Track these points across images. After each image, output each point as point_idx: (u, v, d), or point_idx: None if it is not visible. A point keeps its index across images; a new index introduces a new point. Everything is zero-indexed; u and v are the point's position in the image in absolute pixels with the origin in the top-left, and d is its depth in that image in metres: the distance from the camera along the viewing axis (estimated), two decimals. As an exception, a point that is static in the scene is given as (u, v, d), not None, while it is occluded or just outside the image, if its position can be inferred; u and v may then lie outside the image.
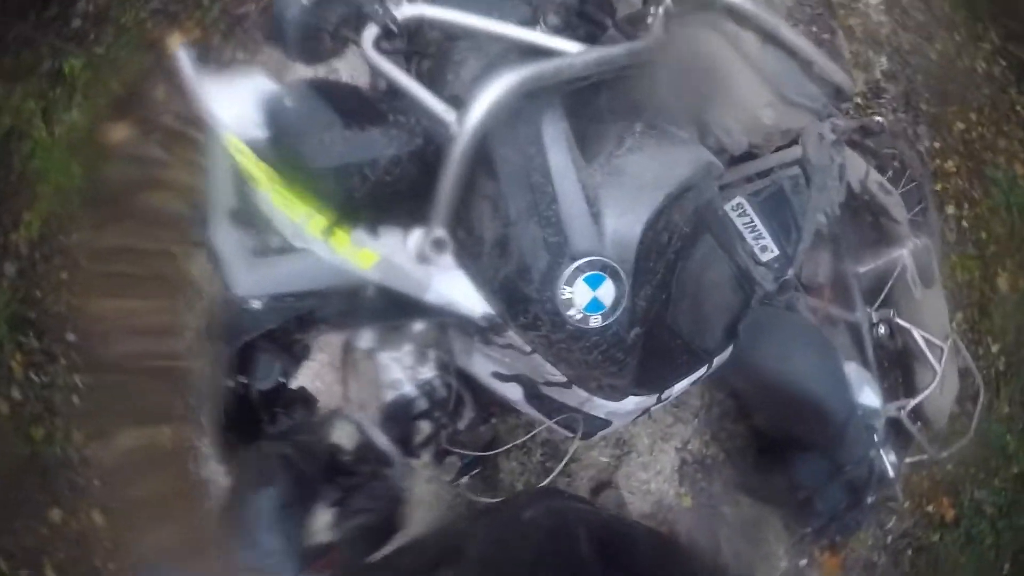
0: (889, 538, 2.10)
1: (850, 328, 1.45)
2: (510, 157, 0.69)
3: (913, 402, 1.45)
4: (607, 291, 0.71)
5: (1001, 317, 2.09)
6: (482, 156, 0.67)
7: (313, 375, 1.10)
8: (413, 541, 0.68)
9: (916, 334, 1.46)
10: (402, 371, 0.84)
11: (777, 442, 1.41)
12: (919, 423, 1.53)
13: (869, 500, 1.44)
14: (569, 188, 0.70)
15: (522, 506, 0.60)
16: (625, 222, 0.73)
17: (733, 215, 1.03)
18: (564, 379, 0.78)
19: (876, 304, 1.47)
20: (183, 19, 1.82)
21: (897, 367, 1.58)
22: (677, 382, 0.91)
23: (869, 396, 1.40)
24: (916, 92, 1.97)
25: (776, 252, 1.04)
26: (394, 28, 0.68)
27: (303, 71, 0.99)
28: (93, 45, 1.80)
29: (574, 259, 0.69)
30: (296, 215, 0.64)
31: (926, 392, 1.46)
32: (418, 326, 0.83)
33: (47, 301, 1.64)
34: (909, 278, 1.44)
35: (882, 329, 1.46)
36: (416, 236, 0.68)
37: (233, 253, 0.68)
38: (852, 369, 1.38)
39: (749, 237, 1.04)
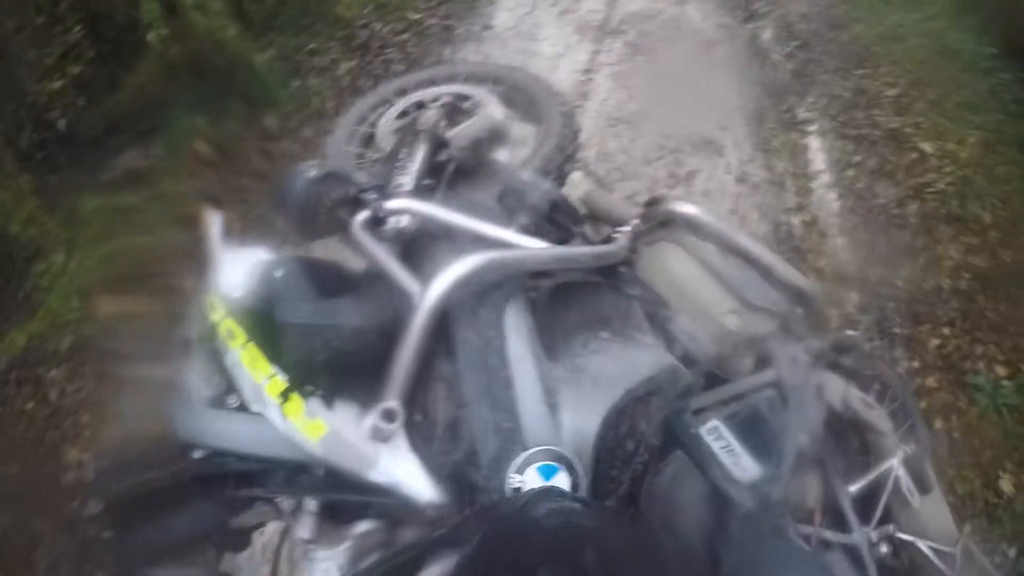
0: None
1: (848, 552, 1.38)
2: (469, 339, 0.70)
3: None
4: (561, 484, 0.66)
5: (1011, 519, 2.20)
6: (443, 337, 0.69)
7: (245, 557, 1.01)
8: (411, 543, 0.68)
9: (922, 545, 1.39)
10: (336, 572, 0.80)
11: None
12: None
13: None
14: (526, 375, 0.70)
15: (525, 506, 0.58)
16: (582, 416, 0.71)
17: (709, 439, 1.00)
18: None
19: (873, 522, 1.40)
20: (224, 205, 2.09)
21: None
22: None
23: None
24: (888, 319, 2.24)
25: (757, 473, 1.01)
26: (381, 215, 0.77)
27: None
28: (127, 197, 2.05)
29: (526, 447, 0.66)
30: (259, 376, 0.67)
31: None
32: (362, 526, 0.78)
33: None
34: (905, 489, 1.40)
35: (884, 548, 1.39)
36: (371, 413, 0.67)
37: (190, 399, 0.70)
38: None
39: (727, 460, 1.00)
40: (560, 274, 0.85)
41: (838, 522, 1.40)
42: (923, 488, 1.47)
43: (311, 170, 0.81)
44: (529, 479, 0.65)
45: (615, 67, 2.91)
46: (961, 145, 2.96)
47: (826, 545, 1.40)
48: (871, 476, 1.43)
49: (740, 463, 1.01)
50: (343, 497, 0.71)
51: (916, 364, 2.20)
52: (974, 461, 2.19)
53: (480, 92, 1.79)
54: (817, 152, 2.68)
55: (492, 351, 0.71)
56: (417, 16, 3.11)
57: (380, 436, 0.67)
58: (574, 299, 0.88)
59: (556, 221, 0.91)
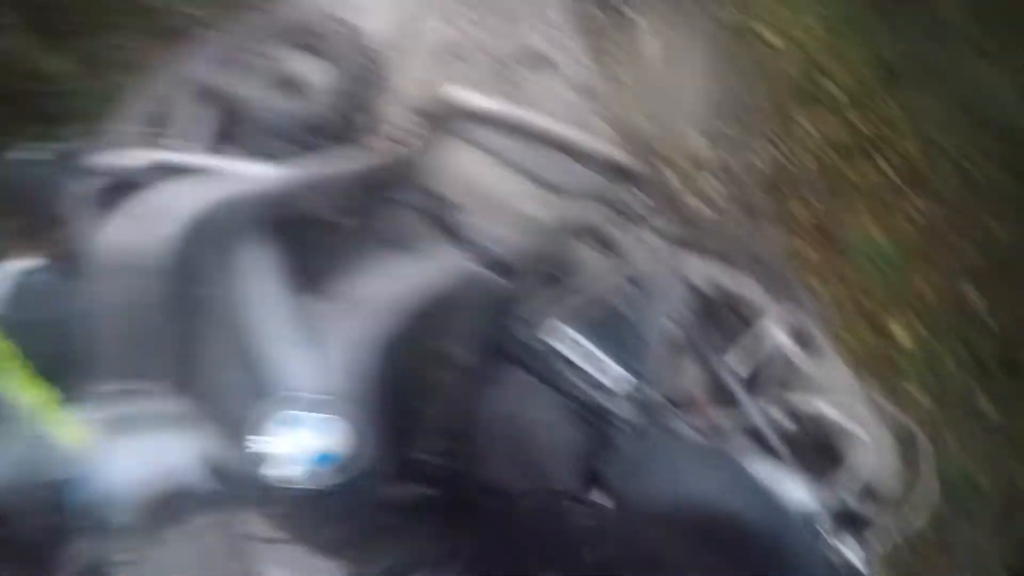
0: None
1: (751, 435, 1.35)
2: (196, 295, 0.60)
3: (848, 481, 1.33)
4: (329, 436, 0.55)
5: (909, 362, 2.28)
6: (179, 301, 0.59)
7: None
8: (413, 538, 0.66)
9: (822, 407, 1.36)
10: None
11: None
12: (868, 501, 1.57)
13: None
14: (266, 318, 0.60)
15: (521, 506, 0.58)
16: (358, 352, 0.60)
17: (559, 345, 0.89)
18: None
19: (768, 395, 1.36)
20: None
21: (819, 452, 1.43)
22: None
23: (796, 496, 1.29)
24: (754, 200, 2.29)
25: (625, 375, 0.92)
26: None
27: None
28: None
29: (278, 401, 0.55)
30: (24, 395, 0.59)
31: (858, 465, 1.35)
32: None
33: None
34: (787, 351, 1.37)
35: (780, 416, 1.35)
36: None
37: None
38: (767, 471, 1.27)
39: (586, 365, 0.90)
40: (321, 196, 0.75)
41: (728, 403, 1.35)
42: (810, 350, 1.45)
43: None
44: (280, 437, 0.54)
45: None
46: (807, 34, 3.05)
47: (720, 431, 1.35)
48: (751, 347, 1.39)
49: (603, 368, 0.92)
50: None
51: (787, 236, 2.26)
52: (863, 318, 2.27)
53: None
54: (655, 49, 2.71)
55: (221, 301, 0.61)
56: None
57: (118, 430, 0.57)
58: (343, 220, 0.79)
59: (294, 138, 0.82)
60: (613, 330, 0.96)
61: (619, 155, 0.97)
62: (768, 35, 2.94)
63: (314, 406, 0.55)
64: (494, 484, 0.71)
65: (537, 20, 2.66)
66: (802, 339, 1.42)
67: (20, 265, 0.67)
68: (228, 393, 0.59)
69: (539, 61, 2.48)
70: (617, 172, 1.02)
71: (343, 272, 0.72)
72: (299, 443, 0.54)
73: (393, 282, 0.70)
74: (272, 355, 0.58)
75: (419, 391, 0.68)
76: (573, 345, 0.88)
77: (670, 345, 1.10)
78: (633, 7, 2.77)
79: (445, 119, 0.89)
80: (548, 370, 0.83)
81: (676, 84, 2.50)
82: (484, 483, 0.71)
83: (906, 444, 1.67)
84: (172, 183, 0.67)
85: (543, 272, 0.96)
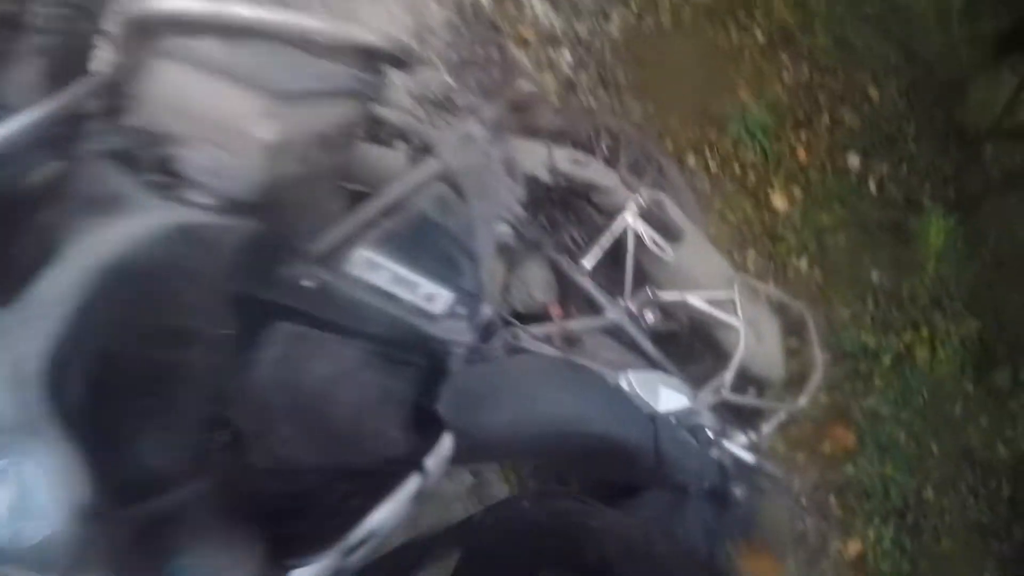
0: (804, 500, 2.01)
1: (611, 333, 1.23)
2: None
3: (728, 374, 1.23)
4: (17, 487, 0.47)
5: (794, 232, 2.11)
6: None
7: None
8: (412, 540, 0.66)
9: (692, 299, 1.23)
10: None
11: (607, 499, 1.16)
12: (753, 388, 1.38)
13: (740, 495, 1.26)
14: None
15: (524, 506, 0.59)
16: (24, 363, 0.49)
17: (365, 275, 0.77)
18: None
19: (627, 292, 1.23)
20: None
21: (698, 345, 1.34)
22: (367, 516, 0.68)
23: (672, 398, 1.17)
24: (608, 69, 2.00)
25: (450, 295, 0.82)
26: None
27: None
28: None
29: None
30: None
31: (737, 356, 1.24)
32: None
33: None
34: (650, 243, 1.22)
35: (650, 315, 1.24)
36: None
37: None
38: (638, 378, 1.15)
39: (401, 292, 0.80)
40: None
41: (585, 306, 1.21)
42: (672, 236, 1.25)
43: None
44: None
45: None
46: None
47: (576, 338, 1.19)
48: (602, 241, 1.20)
49: (422, 291, 0.79)
50: None
51: (651, 108, 1.99)
52: (740, 186, 2.06)
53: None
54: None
55: None
56: None
57: None
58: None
59: None
60: (428, 246, 0.83)
61: (373, 38, 0.74)
62: None
63: None
64: (289, 461, 0.65)
65: None
66: (665, 228, 1.23)
67: None
68: None
69: None
70: (392, 60, 0.77)
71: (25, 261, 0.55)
72: None
73: (88, 259, 0.54)
74: None
75: (154, 385, 0.56)
76: (386, 274, 0.76)
77: (505, 249, 1.01)
78: None
79: (144, 36, 0.64)
80: (341, 312, 0.73)
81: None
82: (276, 463, 0.64)
83: (794, 324, 1.48)
84: None
85: (310, 198, 0.78)
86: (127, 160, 0.64)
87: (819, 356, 1.43)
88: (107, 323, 0.53)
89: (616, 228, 1.20)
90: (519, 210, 1.04)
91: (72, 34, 0.69)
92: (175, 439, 0.57)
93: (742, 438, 1.24)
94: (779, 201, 2.10)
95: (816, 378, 1.40)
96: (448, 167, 0.88)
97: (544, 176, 1.17)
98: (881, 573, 2.12)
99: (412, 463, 0.72)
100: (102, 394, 0.51)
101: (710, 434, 1.16)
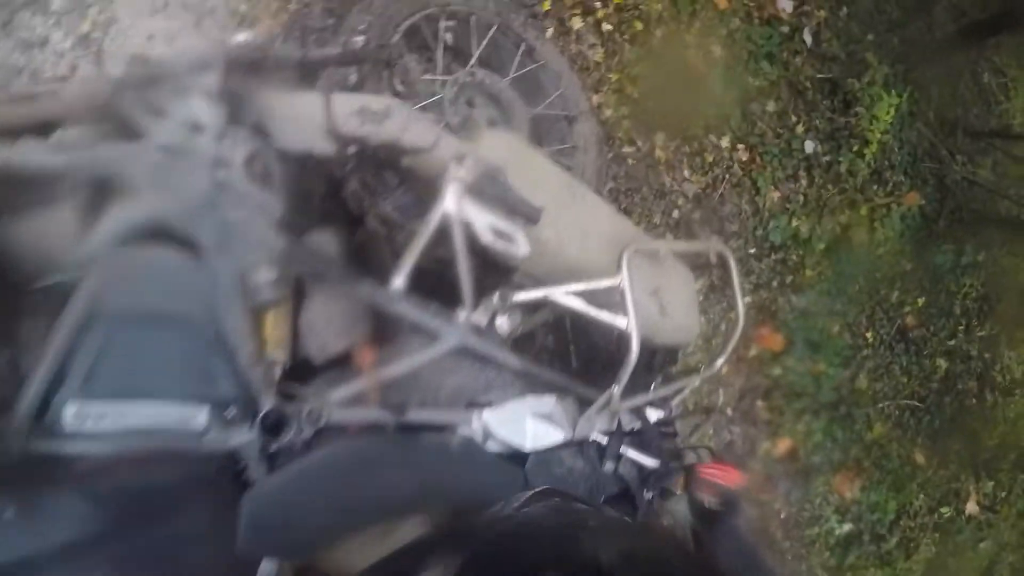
0: (729, 410, 1.80)
1: (459, 355, 0.86)
2: None
3: (618, 387, 0.88)
4: None
5: (712, 103, 1.71)
6: None
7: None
8: (413, 542, 0.63)
9: (561, 296, 0.86)
10: None
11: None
12: (660, 359, 1.04)
13: (648, 497, 0.97)
14: None
15: (523, 505, 0.57)
16: None
17: (88, 428, 0.63)
18: None
19: (468, 302, 0.83)
20: None
21: (584, 341, 1.03)
22: None
23: (542, 432, 0.89)
24: None
25: (205, 406, 0.66)
26: None
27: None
28: None
29: None
30: None
31: (628, 366, 0.87)
32: None
33: None
34: (488, 236, 0.81)
35: (505, 323, 0.88)
36: None
37: None
38: (496, 417, 0.85)
39: (144, 427, 0.65)
40: None
41: (407, 340, 0.81)
42: (527, 216, 0.83)
43: None
44: None
45: None
46: None
47: (399, 385, 0.81)
48: (417, 246, 0.76)
49: (166, 418, 0.65)
50: None
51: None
52: (643, 51, 1.62)
53: None
54: None
55: None
56: None
57: None
58: None
59: None
60: (155, 361, 0.66)
61: None
62: None
63: None
64: None
65: None
66: (511, 208, 0.81)
67: None
68: None
69: None
70: None
71: None
72: None
73: None
74: None
75: None
76: (98, 421, 0.63)
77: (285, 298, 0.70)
78: None
79: None
80: (70, 478, 0.62)
81: None
82: None
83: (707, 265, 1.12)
84: None
85: None
86: None
87: (741, 307, 1.09)
88: None
89: (435, 219, 0.77)
90: (278, 238, 0.68)
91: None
92: None
93: (652, 415, 1.00)
94: (695, 61, 1.68)
95: (736, 334, 1.07)
96: (155, 211, 0.62)
97: (322, 147, 0.76)
98: (812, 465, 2.02)
99: None
100: None
101: (601, 446, 0.93)
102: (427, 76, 1.25)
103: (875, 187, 2.09)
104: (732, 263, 1.01)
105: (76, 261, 0.61)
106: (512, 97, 1.34)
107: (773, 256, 1.81)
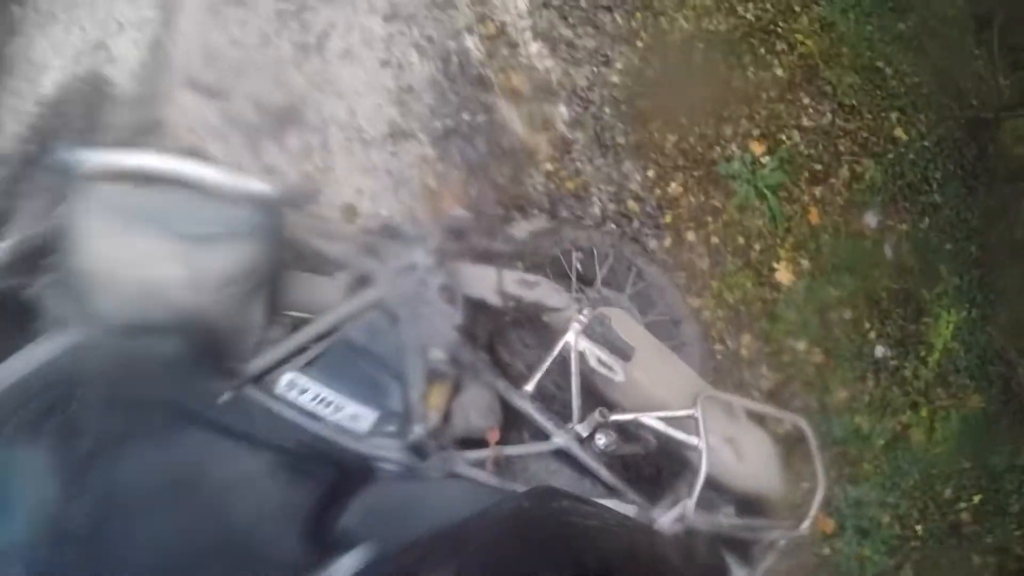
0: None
1: (562, 458, 1.17)
2: None
3: (690, 501, 1.13)
4: None
5: (795, 310, 1.99)
6: None
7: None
8: (413, 541, 0.67)
9: (647, 419, 1.15)
10: None
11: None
12: (738, 509, 1.26)
13: None
14: None
15: (523, 506, 0.60)
16: None
17: (290, 396, 0.90)
18: None
19: (575, 415, 1.15)
20: None
21: (667, 468, 1.27)
22: None
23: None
24: (607, 128, 1.82)
25: (375, 414, 0.93)
26: None
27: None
28: None
29: None
30: None
31: (700, 479, 1.15)
32: None
33: None
34: (595, 363, 1.14)
35: (603, 439, 1.14)
36: None
37: None
38: (589, 508, 1.16)
39: (325, 411, 0.91)
40: None
41: (527, 431, 1.18)
42: (622, 353, 1.16)
43: None
44: None
45: None
46: None
47: (516, 465, 1.15)
48: (545, 364, 1.13)
49: (346, 411, 0.92)
50: None
51: (651, 173, 1.83)
52: (743, 262, 1.92)
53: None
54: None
55: None
56: None
57: None
58: None
59: None
60: (351, 369, 0.94)
61: (269, 185, 0.87)
62: None
63: None
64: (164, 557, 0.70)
65: None
66: (612, 346, 1.14)
67: None
68: None
69: None
70: (263, 201, 0.86)
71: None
72: None
73: (13, 369, 0.74)
74: None
75: (59, 466, 0.69)
76: (309, 394, 0.91)
77: (438, 373, 1.01)
78: None
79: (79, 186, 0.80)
80: (254, 425, 0.84)
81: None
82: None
83: (791, 436, 1.38)
84: None
85: (236, 325, 0.90)
86: (58, 291, 0.82)
87: (821, 472, 1.35)
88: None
89: (560, 349, 1.13)
90: (455, 336, 1.03)
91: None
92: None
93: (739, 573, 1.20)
94: (784, 275, 1.97)
95: (819, 498, 1.32)
96: (383, 296, 0.98)
97: (493, 299, 1.13)
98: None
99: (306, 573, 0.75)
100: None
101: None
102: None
103: (939, 389, 2.28)
104: (810, 433, 1.28)
105: (328, 309, 0.97)
106: (629, 308, 1.65)
107: (834, 449, 2.02)
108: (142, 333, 0.79)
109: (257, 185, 0.84)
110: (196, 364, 0.82)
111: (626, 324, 1.27)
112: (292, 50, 1.81)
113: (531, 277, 1.20)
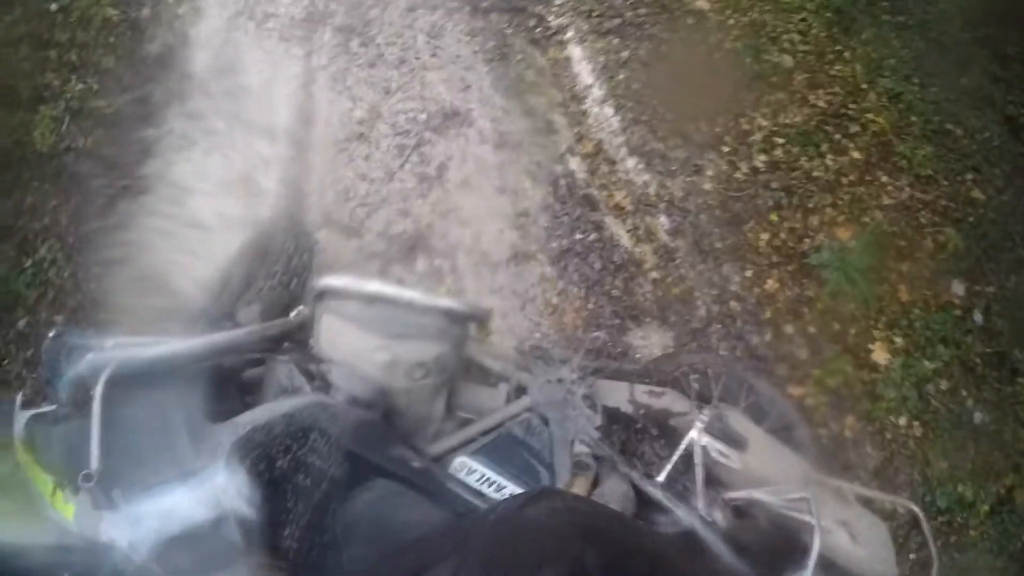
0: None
1: (686, 540, 1.42)
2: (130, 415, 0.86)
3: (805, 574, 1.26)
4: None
5: (894, 387, 2.10)
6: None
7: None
8: (412, 541, 0.69)
9: (763, 496, 1.32)
10: None
11: None
12: None
13: None
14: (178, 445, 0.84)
15: (522, 506, 0.59)
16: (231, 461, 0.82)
17: (460, 475, 1.09)
18: None
19: (699, 498, 1.36)
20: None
21: (781, 547, 1.49)
22: None
23: None
24: (705, 235, 1.99)
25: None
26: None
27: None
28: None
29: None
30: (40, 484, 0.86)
31: (813, 555, 1.27)
32: None
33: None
34: (715, 454, 1.36)
35: (720, 515, 1.34)
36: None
37: None
38: None
39: (488, 490, 1.08)
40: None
41: (659, 515, 1.33)
42: (737, 444, 1.38)
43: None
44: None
45: (330, 68, 2.37)
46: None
47: None
48: (674, 456, 1.34)
49: (504, 491, 1.08)
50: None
51: (749, 272, 1.99)
52: (841, 347, 2.05)
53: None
54: (581, 64, 2.29)
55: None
56: (110, 107, 2.35)
57: (98, 504, 0.77)
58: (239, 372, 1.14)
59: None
60: (513, 456, 1.14)
61: (449, 302, 1.17)
62: (698, 2, 2.49)
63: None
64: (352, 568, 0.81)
65: (445, 62, 2.18)
66: (729, 438, 1.36)
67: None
68: None
69: (451, 119, 2.04)
70: (451, 314, 1.16)
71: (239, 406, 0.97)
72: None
73: (262, 413, 0.93)
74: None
75: (293, 491, 0.87)
76: (477, 475, 1.09)
77: (581, 465, 1.19)
78: (555, 13, 2.27)
79: (321, 296, 1.14)
80: (435, 488, 1.01)
81: (606, 101, 2.10)
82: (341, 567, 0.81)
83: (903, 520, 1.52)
84: None
85: (418, 406, 1.15)
86: (303, 368, 1.08)
87: (934, 553, 1.49)
88: (269, 447, 0.87)
89: (685, 444, 1.35)
90: (596, 435, 1.26)
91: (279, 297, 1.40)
92: (288, 532, 0.85)
93: None
94: (880, 354, 2.09)
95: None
96: (537, 403, 1.23)
97: (626, 408, 1.40)
98: None
99: None
100: (263, 487, 0.80)
101: None
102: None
103: (1040, 447, 2.34)
104: (923, 517, 1.41)
105: (493, 411, 1.20)
106: (744, 419, 1.81)
107: (939, 519, 2.11)
108: (359, 403, 1.05)
109: (446, 302, 1.14)
110: (382, 428, 1.05)
111: (741, 423, 1.47)
112: (415, 182, 2.05)
113: (658, 388, 1.44)
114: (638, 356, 1.66)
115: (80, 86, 2.43)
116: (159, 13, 2.68)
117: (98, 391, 0.84)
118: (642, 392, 1.43)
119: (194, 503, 0.78)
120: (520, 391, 1.28)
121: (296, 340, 1.21)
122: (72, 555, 0.82)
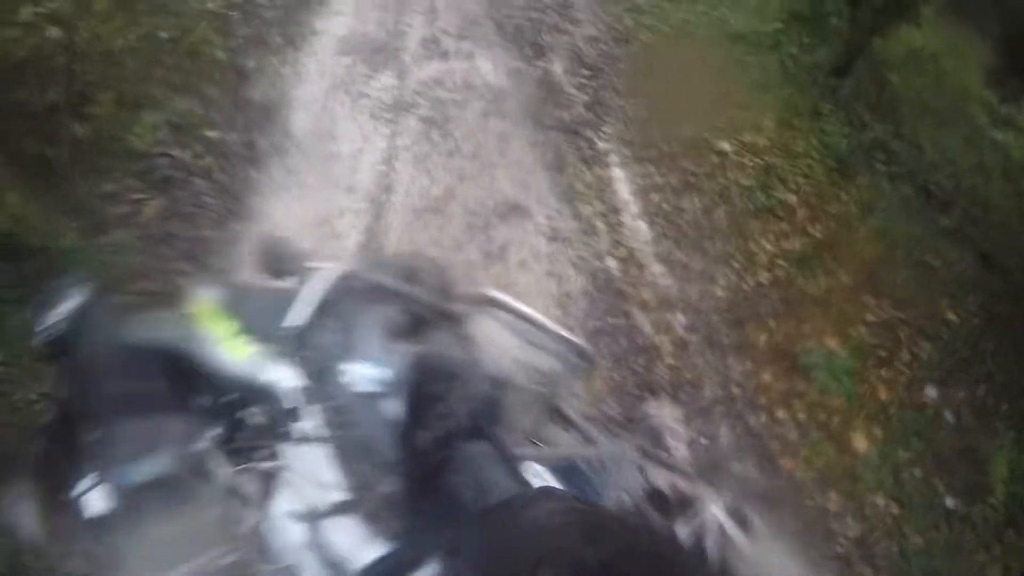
0: None
1: (687, 541, 1.58)
2: None
3: None
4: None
5: (872, 471, 2.55)
6: None
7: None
8: (413, 539, 0.70)
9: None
10: None
11: None
12: None
13: None
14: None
15: (522, 506, 0.59)
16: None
17: (531, 479, 1.13)
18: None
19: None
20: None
21: None
22: None
23: None
24: (714, 331, 2.54)
25: None
26: None
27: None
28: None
29: None
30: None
31: None
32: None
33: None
34: (730, 532, 1.60)
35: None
36: None
37: None
38: None
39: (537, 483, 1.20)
40: None
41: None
42: (744, 527, 1.67)
43: None
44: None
45: (413, 149, 2.95)
46: (758, 132, 3.31)
47: None
48: (691, 528, 1.61)
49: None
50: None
51: (749, 364, 2.52)
52: (825, 435, 2.53)
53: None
54: (621, 183, 2.97)
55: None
56: (215, 134, 2.74)
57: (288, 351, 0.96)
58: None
59: None
60: (573, 478, 1.29)
61: (580, 343, 1.42)
62: (722, 144, 3.19)
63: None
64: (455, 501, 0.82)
65: (511, 164, 2.87)
66: (741, 520, 1.64)
67: None
68: None
69: (514, 210, 2.70)
70: (580, 353, 1.42)
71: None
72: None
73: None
74: None
75: (433, 419, 0.92)
76: (536, 478, 1.16)
77: (619, 507, 1.39)
78: (603, 138, 2.96)
79: (484, 306, 1.41)
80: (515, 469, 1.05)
81: (641, 216, 2.74)
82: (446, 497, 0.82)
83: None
84: None
85: (526, 396, 1.35)
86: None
87: None
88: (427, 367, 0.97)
89: (700, 519, 1.59)
90: (641, 494, 1.55)
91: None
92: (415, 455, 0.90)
93: None
94: (860, 442, 2.55)
95: None
96: (601, 453, 1.44)
97: (661, 486, 1.63)
98: None
99: None
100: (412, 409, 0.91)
101: None
102: None
103: (1009, 530, 2.70)
104: None
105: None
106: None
107: (916, 590, 2.49)
108: (496, 386, 1.24)
109: (568, 333, 1.39)
110: (505, 419, 1.10)
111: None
112: (480, 256, 2.64)
113: (689, 473, 1.79)
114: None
115: (183, 106, 2.74)
116: (264, 67, 3.22)
117: (328, 275, 1.06)
118: (663, 476, 1.67)
119: (373, 378, 0.93)
120: (589, 441, 1.57)
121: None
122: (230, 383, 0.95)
